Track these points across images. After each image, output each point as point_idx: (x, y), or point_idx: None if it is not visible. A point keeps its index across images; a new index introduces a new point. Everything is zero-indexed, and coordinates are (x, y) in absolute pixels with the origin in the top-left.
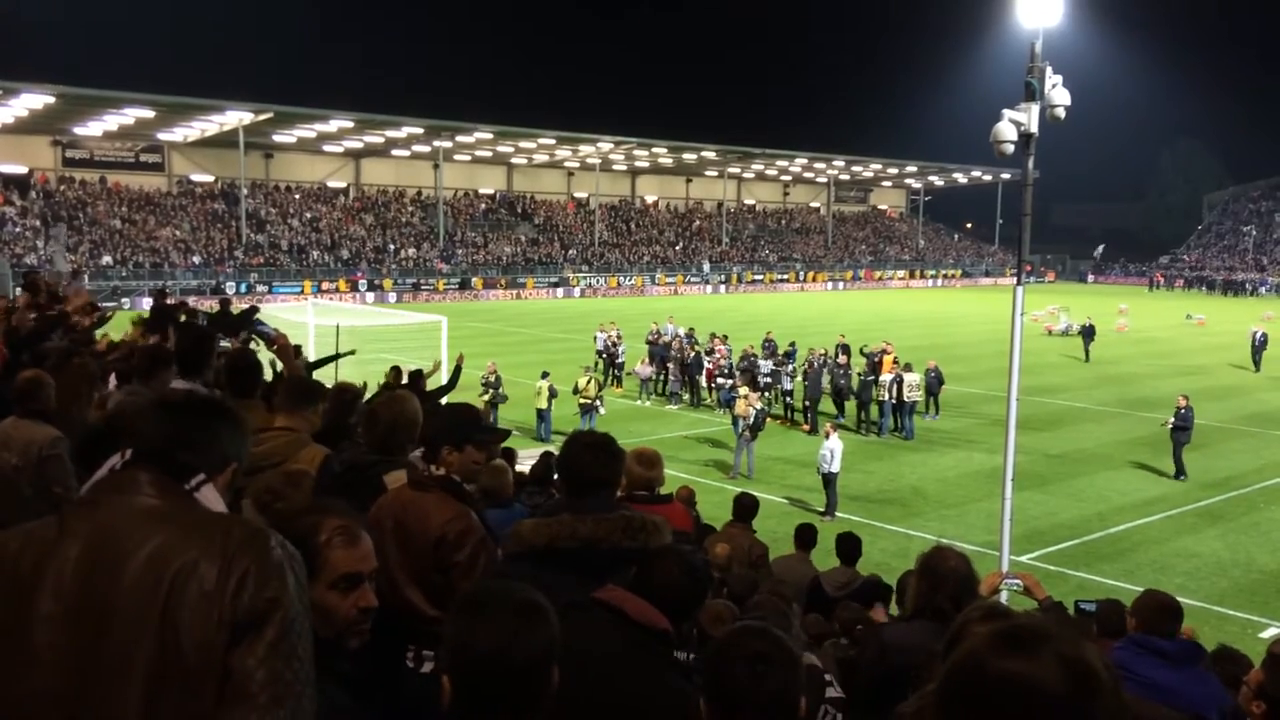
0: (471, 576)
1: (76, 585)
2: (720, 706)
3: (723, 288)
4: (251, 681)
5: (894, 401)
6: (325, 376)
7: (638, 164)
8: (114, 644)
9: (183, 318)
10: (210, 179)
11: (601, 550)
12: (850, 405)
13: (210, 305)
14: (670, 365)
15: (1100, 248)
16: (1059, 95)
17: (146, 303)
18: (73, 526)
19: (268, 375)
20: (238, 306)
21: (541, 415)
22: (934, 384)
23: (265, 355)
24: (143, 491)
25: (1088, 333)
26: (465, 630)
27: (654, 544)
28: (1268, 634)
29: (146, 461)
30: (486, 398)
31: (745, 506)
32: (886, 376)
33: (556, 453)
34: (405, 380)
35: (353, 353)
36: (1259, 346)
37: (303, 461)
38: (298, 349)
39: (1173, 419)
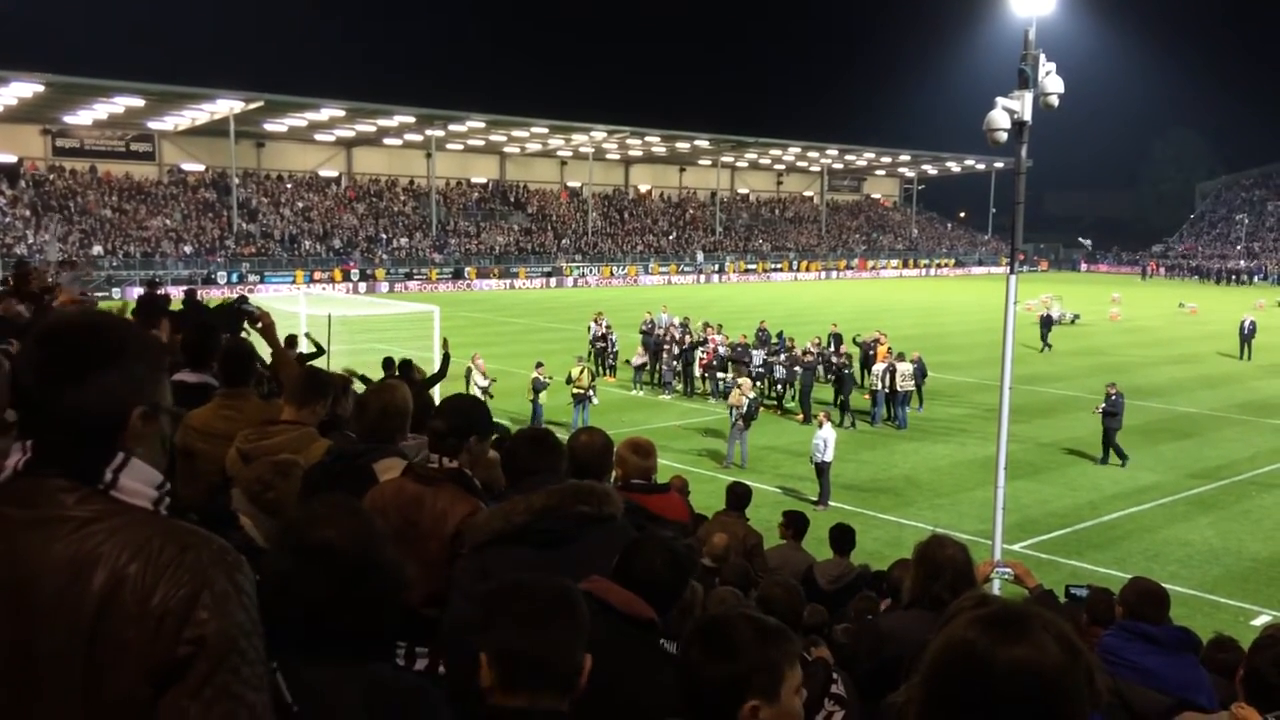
0: None
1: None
2: (680, 682)
3: (716, 277)
4: None
5: (886, 391)
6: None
7: (631, 153)
8: (42, 690)
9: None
10: (201, 168)
11: (555, 518)
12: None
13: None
14: (664, 355)
15: (1088, 243)
16: (1052, 83)
17: (138, 292)
18: None
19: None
20: (221, 298)
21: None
22: (917, 375)
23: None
24: (57, 505)
25: (1045, 322)
26: (500, 620)
27: (607, 510)
28: (1259, 621)
29: (53, 462)
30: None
31: (738, 495)
32: (879, 366)
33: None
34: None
35: (321, 351)
36: (1248, 335)
37: (313, 456)
38: (292, 339)
39: (1103, 404)
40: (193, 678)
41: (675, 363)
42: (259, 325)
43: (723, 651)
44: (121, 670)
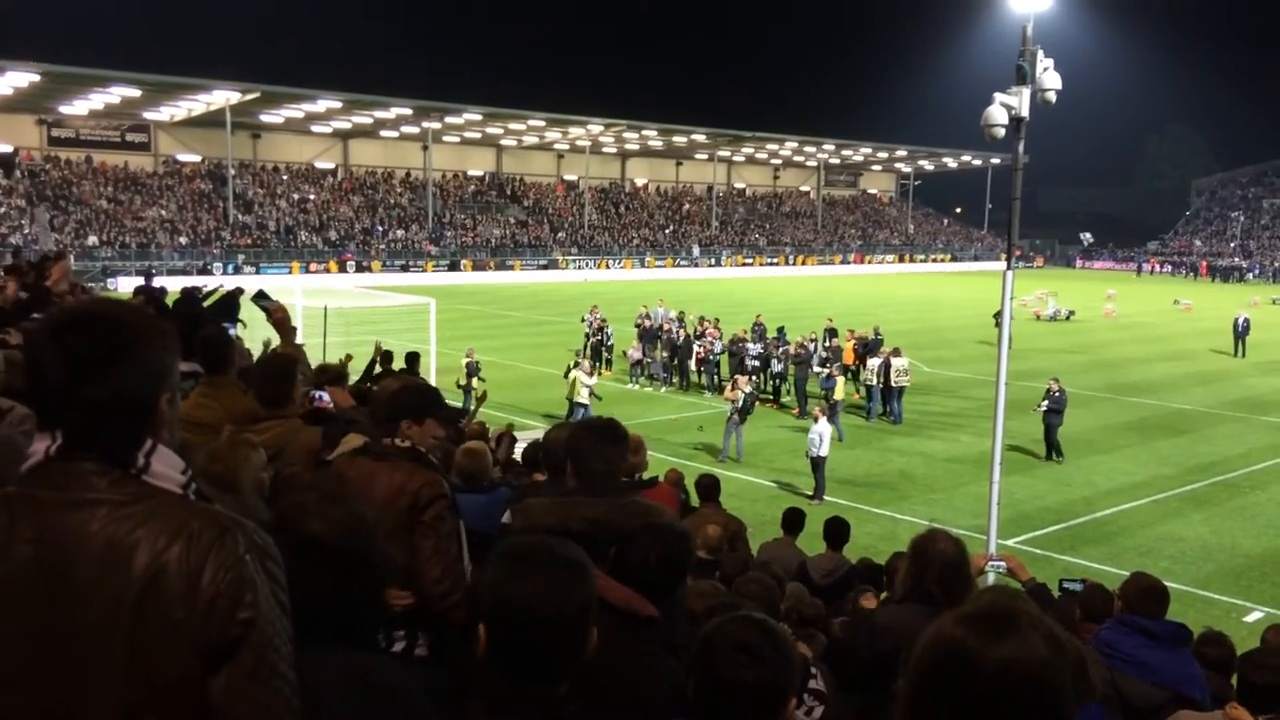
0: (433, 536)
1: (34, 602)
2: (705, 694)
3: (712, 271)
4: (234, 716)
5: (881, 386)
6: (315, 358)
7: (627, 146)
8: (83, 673)
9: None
10: (197, 159)
11: (609, 533)
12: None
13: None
14: (660, 348)
15: (1088, 237)
16: (1050, 79)
17: (136, 283)
18: (20, 529)
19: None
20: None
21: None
22: (886, 372)
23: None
24: (90, 489)
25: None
26: (503, 583)
27: None
28: (1252, 618)
29: (84, 447)
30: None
31: (708, 487)
32: (875, 361)
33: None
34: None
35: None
36: (1241, 332)
37: (300, 446)
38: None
39: (1046, 402)
40: (246, 659)
41: (672, 361)
42: (273, 319)
43: (755, 658)
44: (172, 650)
